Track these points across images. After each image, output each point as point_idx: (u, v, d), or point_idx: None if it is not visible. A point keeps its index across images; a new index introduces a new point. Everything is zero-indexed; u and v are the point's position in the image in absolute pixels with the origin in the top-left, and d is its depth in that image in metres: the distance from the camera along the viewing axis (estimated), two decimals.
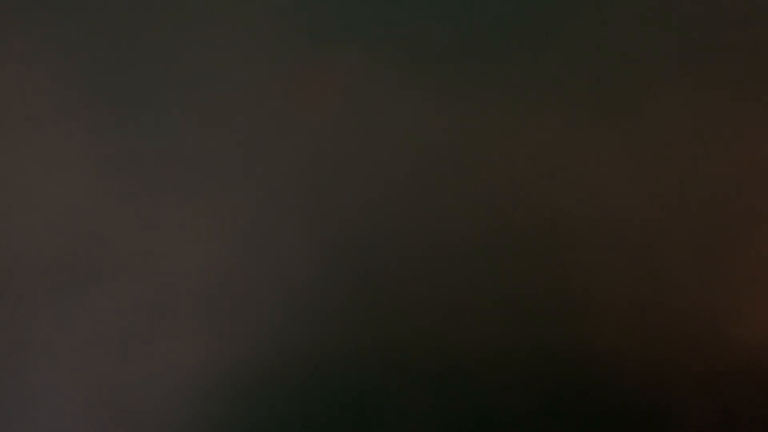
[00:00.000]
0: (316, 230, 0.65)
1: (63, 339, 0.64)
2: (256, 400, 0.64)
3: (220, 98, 0.65)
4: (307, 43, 0.65)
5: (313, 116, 0.65)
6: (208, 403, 0.64)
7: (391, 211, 0.66)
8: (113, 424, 0.64)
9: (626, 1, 0.67)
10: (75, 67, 0.64)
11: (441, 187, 0.66)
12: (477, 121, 0.66)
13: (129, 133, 0.64)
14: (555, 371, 0.66)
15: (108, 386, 0.64)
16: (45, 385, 0.63)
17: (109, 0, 0.65)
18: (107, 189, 0.64)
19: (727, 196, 0.67)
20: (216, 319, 0.64)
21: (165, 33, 0.65)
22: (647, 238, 0.67)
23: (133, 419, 0.64)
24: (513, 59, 0.66)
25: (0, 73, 0.64)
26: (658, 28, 0.67)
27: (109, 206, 0.64)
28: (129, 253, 0.64)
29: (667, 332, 0.66)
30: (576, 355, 0.66)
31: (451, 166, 0.66)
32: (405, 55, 0.66)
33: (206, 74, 0.65)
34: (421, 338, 0.65)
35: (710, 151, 0.67)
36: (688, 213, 0.67)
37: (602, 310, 0.66)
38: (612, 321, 0.66)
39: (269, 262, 0.65)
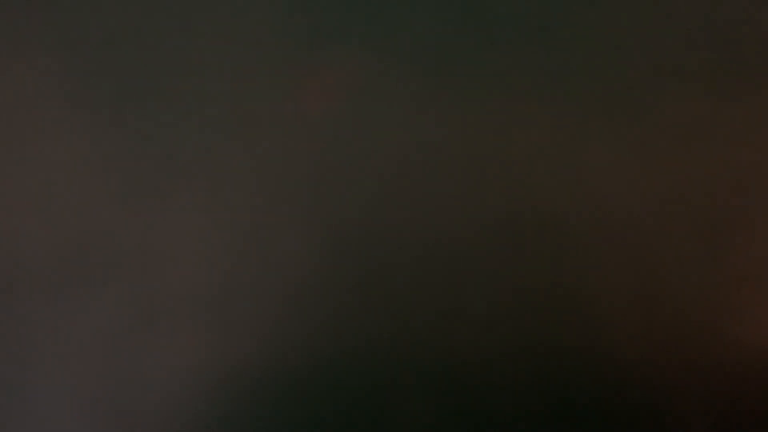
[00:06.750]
0: (316, 230, 0.65)
1: (63, 339, 0.64)
2: (257, 399, 0.64)
3: (220, 98, 0.65)
4: (307, 44, 0.65)
5: (314, 116, 0.65)
6: (209, 403, 0.64)
7: (392, 211, 0.66)
8: (113, 424, 0.64)
9: (626, 0, 0.67)
10: (75, 68, 0.64)
11: (441, 187, 0.66)
12: (478, 121, 0.66)
13: (129, 133, 0.64)
14: (555, 371, 0.66)
15: (108, 386, 0.64)
16: (45, 385, 0.63)
17: (109, 1, 0.65)
18: (107, 189, 0.64)
19: (727, 195, 0.67)
20: (216, 319, 0.64)
21: (165, 33, 0.65)
22: (647, 238, 0.67)
23: (133, 419, 0.64)
24: (513, 60, 0.66)
25: (0, 74, 0.64)
26: (657, 27, 0.67)
27: (109, 206, 0.64)
28: (129, 252, 0.64)
29: (668, 332, 0.66)
30: (576, 355, 0.66)
31: (451, 165, 0.66)
32: (406, 55, 0.66)
33: (207, 74, 0.65)
34: (421, 338, 0.65)
35: (711, 151, 0.67)
36: (689, 212, 0.67)
37: (602, 310, 0.66)
38: (612, 321, 0.66)
39: (269, 262, 0.65)
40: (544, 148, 0.66)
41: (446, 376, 0.65)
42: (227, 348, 0.64)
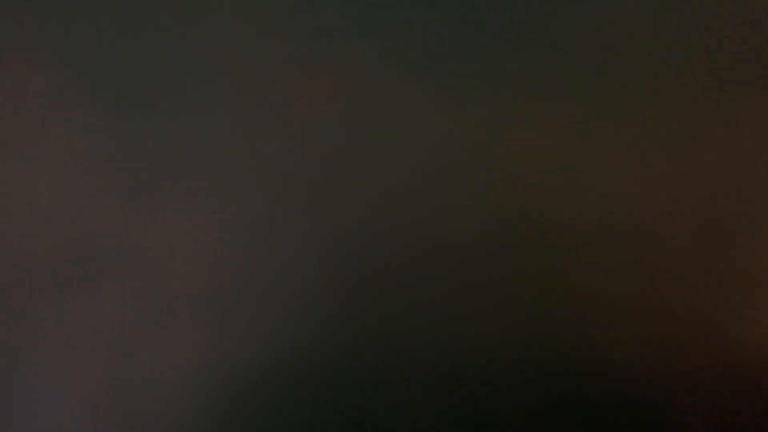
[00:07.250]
0: (317, 230, 0.65)
1: (64, 339, 0.64)
2: (257, 399, 0.64)
3: (221, 98, 0.65)
4: (308, 43, 0.65)
5: (314, 116, 0.65)
6: (209, 403, 0.64)
7: (393, 211, 0.66)
8: (113, 424, 0.64)
9: (626, 0, 0.67)
10: (76, 67, 0.64)
11: (443, 187, 0.66)
12: (478, 121, 0.66)
13: (129, 133, 0.64)
14: (556, 371, 0.66)
15: (108, 386, 0.64)
16: (45, 385, 0.63)
17: (109, 1, 0.65)
18: (107, 189, 0.64)
19: (727, 195, 0.67)
20: (216, 319, 0.64)
21: (166, 32, 0.65)
22: (647, 238, 0.67)
23: (134, 419, 0.64)
24: (515, 59, 0.66)
25: (1, 74, 0.64)
26: (657, 27, 0.67)
27: (109, 206, 0.64)
28: (129, 253, 0.64)
29: (668, 332, 0.66)
30: (577, 356, 0.66)
31: (453, 166, 0.66)
32: (407, 55, 0.66)
33: (207, 74, 0.65)
34: (421, 338, 0.65)
35: (711, 151, 0.67)
36: (689, 212, 0.67)
37: (602, 310, 0.66)
38: (612, 321, 0.66)
39: (270, 262, 0.65)
40: (544, 148, 0.66)
41: (446, 376, 0.65)
42: (227, 348, 0.64)
